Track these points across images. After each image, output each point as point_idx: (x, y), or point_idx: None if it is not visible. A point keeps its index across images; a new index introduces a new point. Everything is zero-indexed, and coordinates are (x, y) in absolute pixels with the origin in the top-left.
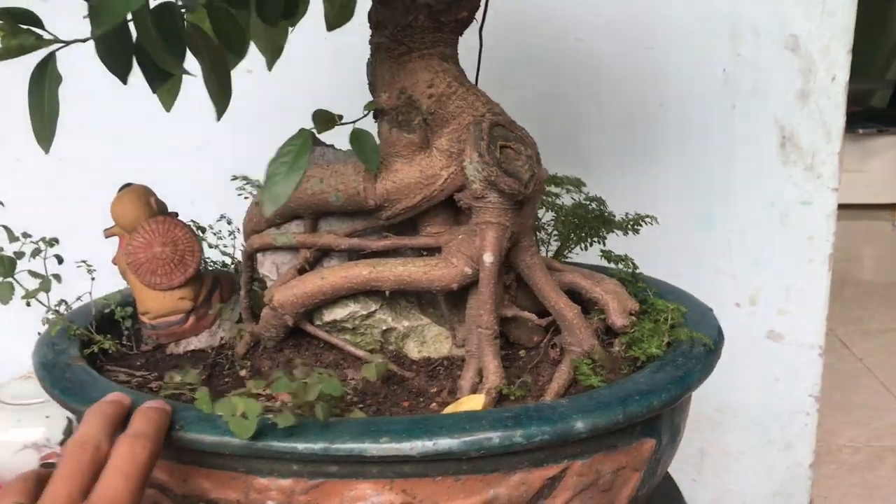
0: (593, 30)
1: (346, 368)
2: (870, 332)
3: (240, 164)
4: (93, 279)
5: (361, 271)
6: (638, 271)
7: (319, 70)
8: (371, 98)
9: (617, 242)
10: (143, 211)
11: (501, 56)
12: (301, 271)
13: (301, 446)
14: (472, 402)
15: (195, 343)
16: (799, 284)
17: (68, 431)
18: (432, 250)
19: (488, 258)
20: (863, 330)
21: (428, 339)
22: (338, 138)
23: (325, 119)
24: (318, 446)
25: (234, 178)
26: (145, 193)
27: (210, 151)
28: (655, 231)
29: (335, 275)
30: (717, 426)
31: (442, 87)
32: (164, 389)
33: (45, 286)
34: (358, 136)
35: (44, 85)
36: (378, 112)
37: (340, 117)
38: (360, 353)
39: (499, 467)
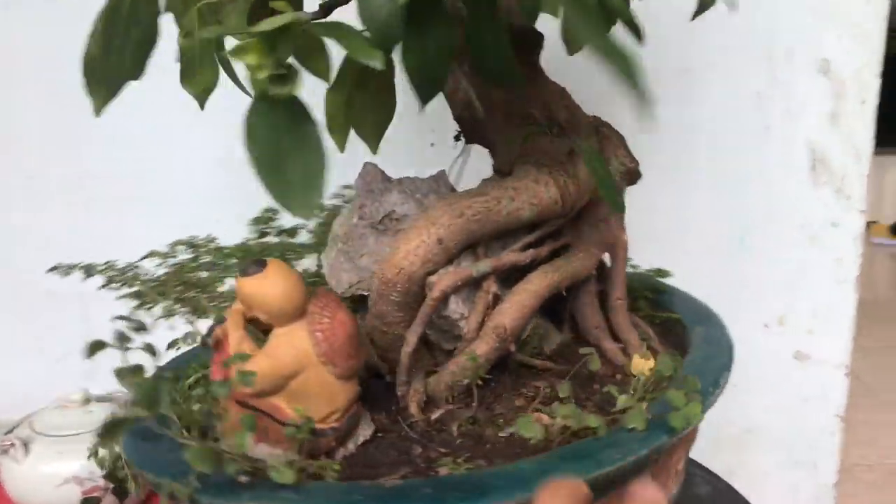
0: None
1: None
2: (864, 349)
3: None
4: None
5: (553, 277)
6: None
7: None
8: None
9: (649, 261)
10: (304, 287)
11: None
12: (495, 298)
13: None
14: (645, 362)
15: (362, 434)
16: (827, 305)
17: (111, 465)
18: (565, 247)
19: (625, 237)
20: (858, 347)
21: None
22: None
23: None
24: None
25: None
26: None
27: (232, 166)
28: (688, 250)
29: (535, 286)
30: (745, 446)
31: (567, 98)
32: None
33: None
34: (591, 155)
35: (291, 126)
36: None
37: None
38: (543, 363)
39: None
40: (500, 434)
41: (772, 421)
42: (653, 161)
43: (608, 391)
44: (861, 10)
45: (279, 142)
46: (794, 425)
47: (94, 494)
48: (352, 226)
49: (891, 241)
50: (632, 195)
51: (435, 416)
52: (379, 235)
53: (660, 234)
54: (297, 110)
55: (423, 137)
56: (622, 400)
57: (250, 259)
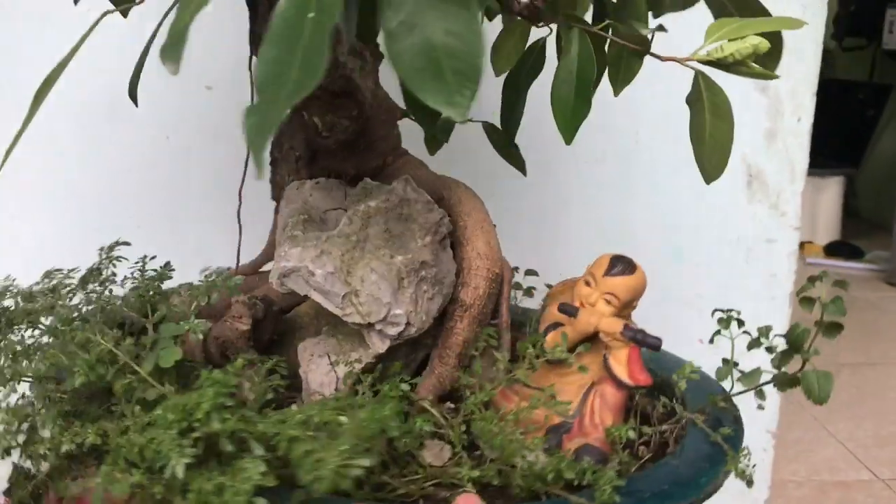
0: None
1: None
2: (795, 367)
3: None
4: None
5: None
6: None
7: None
8: None
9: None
10: None
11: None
12: None
13: None
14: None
15: None
16: (762, 321)
17: (14, 479)
18: None
19: None
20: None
21: None
22: None
23: None
24: None
25: None
26: None
27: (165, 169)
28: None
29: None
30: None
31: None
32: None
33: None
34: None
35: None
36: None
37: None
38: None
39: None
40: None
41: None
42: (593, 175)
43: None
44: (798, 31)
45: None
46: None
47: None
48: (428, 246)
49: (825, 260)
50: (570, 206)
51: None
52: (442, 248)
53: (596, 245)
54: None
55: None
56: None
57: (614, 257)
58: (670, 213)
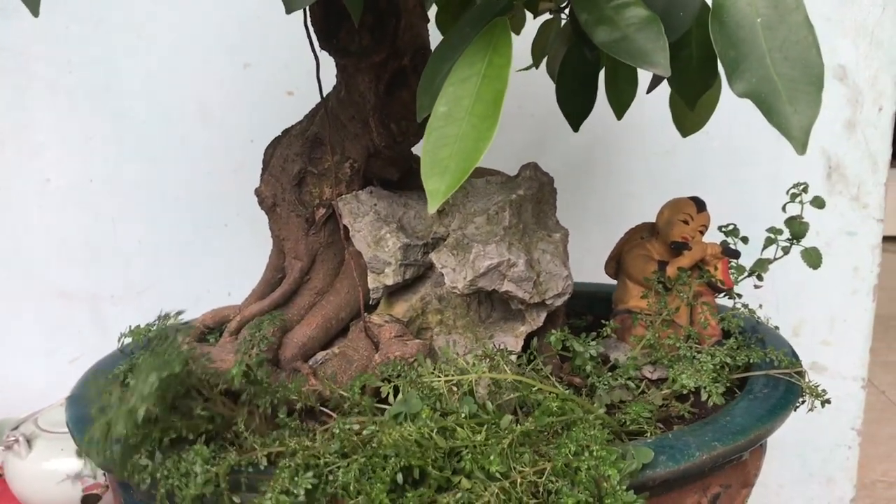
0: None
1: None
2: (888, 364)
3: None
4: None
5: None
6: None
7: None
8: None
9: None
10: None
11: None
12: None
13: None
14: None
15: None
16: (843, 316)
17: None
18: None
19: None
20: (881, 362)
21: None
22: None
23: None
24: None
25: None
26: None
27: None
28: None
29: None
30: None
31: None
32: None
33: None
34: None
35: None
36: None
37: None
38: None
39: None
40: None
41: (786, 433)
42: (664, 168)
43: None
44: (876, 17)
45: None
46: (809, 438)
47: (95, 492)
48: (557, 220)
49: None
50: (643, 200)
51: None
52: None
53: None
54: None
55: None
56: None
57: (691, 198)
58: (744, 206)
